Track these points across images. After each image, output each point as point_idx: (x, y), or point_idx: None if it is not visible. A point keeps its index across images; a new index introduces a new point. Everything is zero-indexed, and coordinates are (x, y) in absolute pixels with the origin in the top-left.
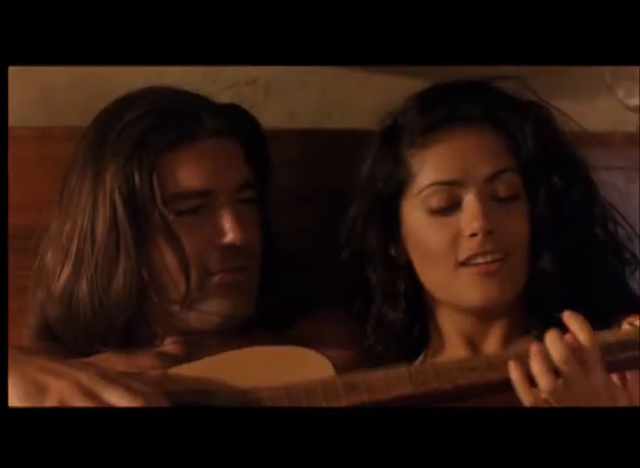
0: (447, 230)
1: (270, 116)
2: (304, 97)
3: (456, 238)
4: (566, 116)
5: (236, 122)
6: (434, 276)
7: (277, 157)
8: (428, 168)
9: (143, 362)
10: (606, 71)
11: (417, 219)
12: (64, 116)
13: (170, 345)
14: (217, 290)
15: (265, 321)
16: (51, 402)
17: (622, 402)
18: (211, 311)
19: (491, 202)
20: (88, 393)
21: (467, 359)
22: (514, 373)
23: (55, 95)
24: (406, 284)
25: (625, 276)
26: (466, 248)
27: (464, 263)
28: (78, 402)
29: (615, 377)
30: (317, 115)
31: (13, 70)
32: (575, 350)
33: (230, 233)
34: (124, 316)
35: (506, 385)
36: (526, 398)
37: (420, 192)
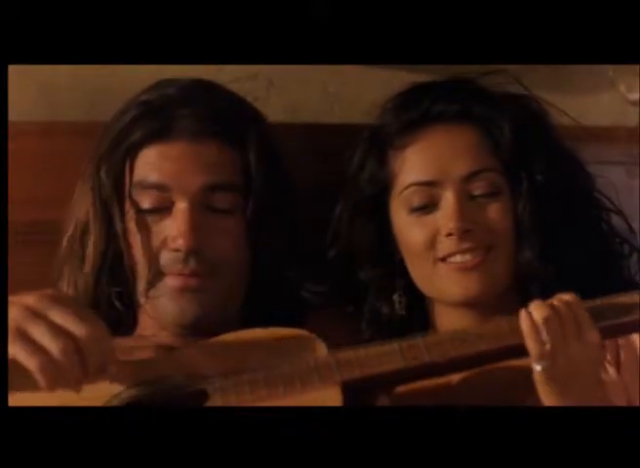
0: (426, 229)
1: (272, 111)
2: (306, 92)
3: (435, 236)
4: (561, 111)
5: (236, 125)
6: (418, 272)
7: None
8: (407, 169)
9: (142, 354)
10: (608, 66)
11: (400, 218)
12: (66, 111)
13: (165, 337)
14: (166, 291)
15: (265, 320)
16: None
17: (613, 374)
18: (162, 311)
19: (469, 201)
20: (37, 314)
21: (458, 331)
22: (525, 322)
23: (56, 90)
24: (403, 280)
25: (623, 267)
26: (444, 247)
27: (443, 260)
28: (30, 325)
29: (609, 367)
30: (319, 109)
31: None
32: (560, 312)
33: (180, 238)
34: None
35: (497, 356)
36: (533, 347)
37: (402, 192)
